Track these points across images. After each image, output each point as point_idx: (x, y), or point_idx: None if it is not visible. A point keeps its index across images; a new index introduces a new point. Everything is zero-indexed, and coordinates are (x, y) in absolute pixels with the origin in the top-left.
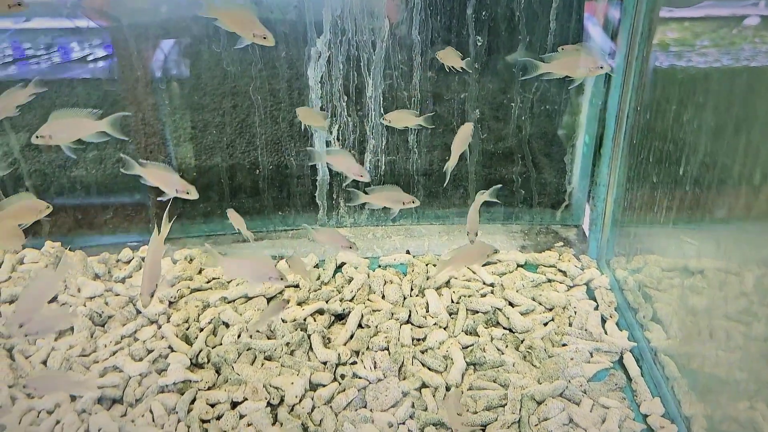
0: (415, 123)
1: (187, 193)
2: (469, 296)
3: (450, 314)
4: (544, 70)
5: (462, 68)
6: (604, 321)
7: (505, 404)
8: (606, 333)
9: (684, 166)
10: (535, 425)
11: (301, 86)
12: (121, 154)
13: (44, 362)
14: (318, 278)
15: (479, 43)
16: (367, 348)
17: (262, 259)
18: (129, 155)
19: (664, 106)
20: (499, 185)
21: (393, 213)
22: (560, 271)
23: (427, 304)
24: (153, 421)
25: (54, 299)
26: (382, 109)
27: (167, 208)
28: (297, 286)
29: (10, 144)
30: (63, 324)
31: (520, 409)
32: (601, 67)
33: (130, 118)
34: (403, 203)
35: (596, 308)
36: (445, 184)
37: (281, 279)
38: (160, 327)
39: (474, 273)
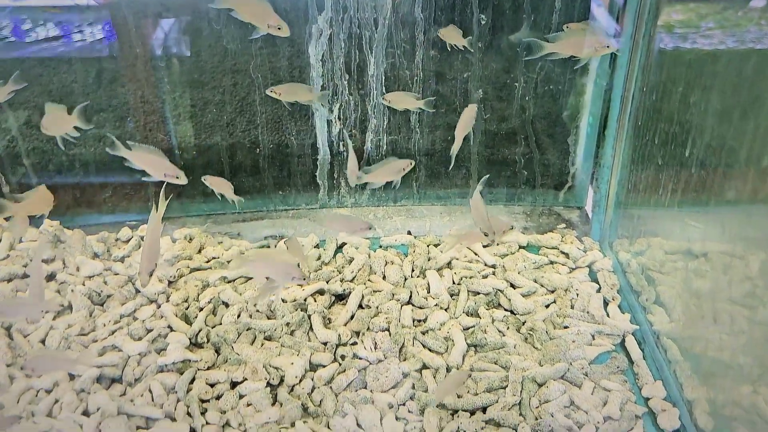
0: (416, 106)
1: (177, 177)
2: (471, 277)
3: (451, 295)
4: (549, 50)
5: (464, 47)
6: (606, 304)
7: (506, 386)
8: (608, 316)
9: (690, 148)
10: (536, 407)
11: (302, 64)
12: (108, 134)
13: (42, 341)
14: (318, 258)
15: (483, 22)
16: (368, 329)
17: (286, 259)
18: (129, 133)
19: (671, 88)
20: (486, 176)
21: (396, 184)
22: (562, 253)
23: (429, 285)
24: (152, 400)
25: (52, 277)
26: (383, 88)
27: (164, 187)
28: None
29: (8, 122)
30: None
31: (521, 391)
32: (608, 47)
33: (129, 96)
34: (403, 169)
35: (598, 291)
36: (449, 168)
37: (304, 279)
38: (159, 306)
39: (476, 254)
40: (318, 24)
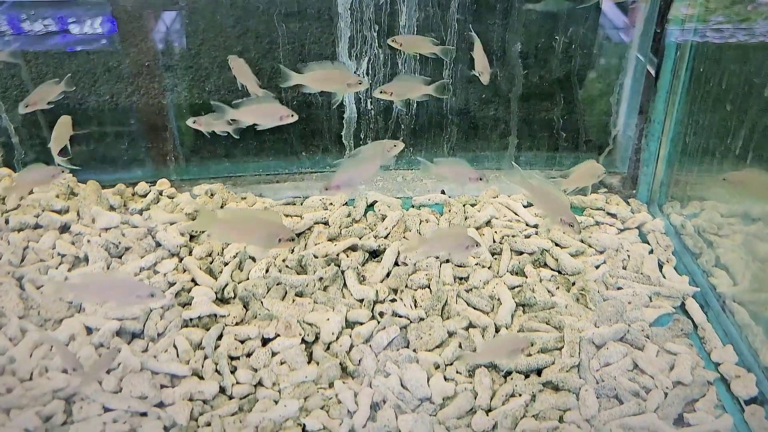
0: (431, 51)
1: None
2: (513, 236)
3: (492, 254)
4: None
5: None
6: (660, 265)
7: (562, 347)
8: (664, 277)
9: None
10: (597, 370)
11: (330, 14)
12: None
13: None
14: (348, 215)
15: None
16: (406, 286)
17: (268, 219)
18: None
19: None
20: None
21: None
22: (609, 214)
23: None
24: (177, 356)
25: (66, 229)
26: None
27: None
28: (326, 222)
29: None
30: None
31: (579, 353)
32: None
33: (149, 53)
34: (469, 179)
35: (651, 252)
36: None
37: (292, 240)
38: (181, 260)
39: (516, 214)
40: None
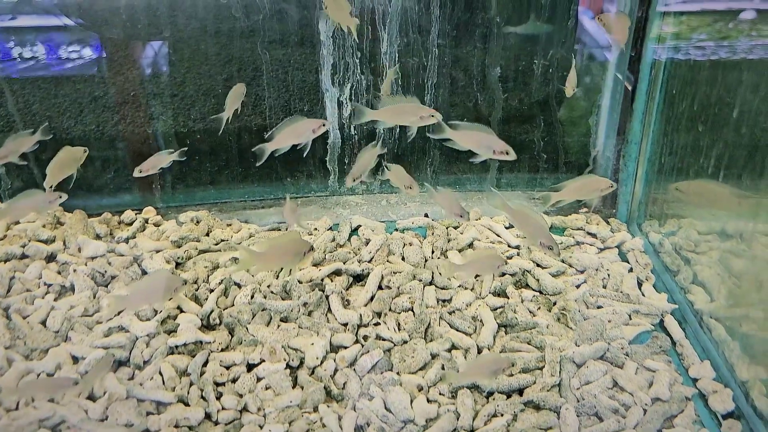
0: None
1: (506, 153)
2: None
3: (475, 276)
4: None
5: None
6: (640, 284)
7: (543, 366)
8: (644, 295)
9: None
10: (577, 389)
11: (313, 42)
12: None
13: (43, 322)
14: (333, 240)
15: None
16: (390, 309)
17: (292, 239)
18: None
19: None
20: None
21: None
22: (589, 233)
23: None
24: (163, 383)
25: (52, 258)
26: (397, 66)
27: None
28: (311, 248)
29: (8, 108)
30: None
31: (559, 372)
32: None
33: (130, 83)
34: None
35: (630, 271)
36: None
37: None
38: None
39: (498, 235)
40: None
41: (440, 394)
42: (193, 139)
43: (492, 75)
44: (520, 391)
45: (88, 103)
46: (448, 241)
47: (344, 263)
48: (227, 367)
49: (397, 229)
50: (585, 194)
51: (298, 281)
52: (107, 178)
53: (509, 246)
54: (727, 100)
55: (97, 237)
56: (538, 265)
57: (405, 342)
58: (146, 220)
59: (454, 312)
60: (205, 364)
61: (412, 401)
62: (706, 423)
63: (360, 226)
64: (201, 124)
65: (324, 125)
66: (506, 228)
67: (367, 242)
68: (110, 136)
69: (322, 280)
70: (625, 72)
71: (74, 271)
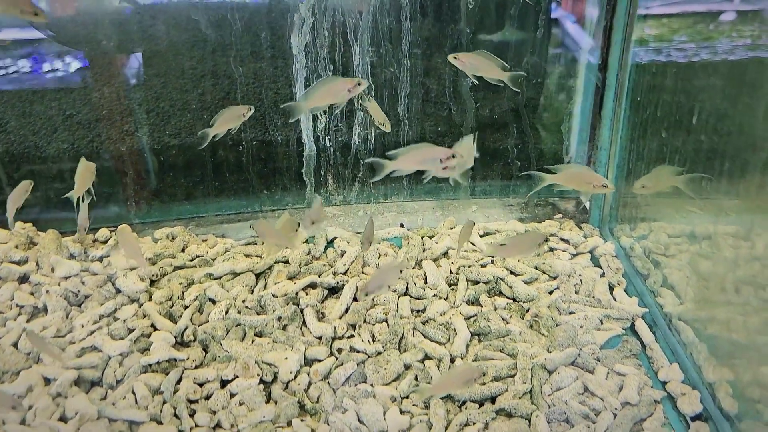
0: (496, 77)
1: (605, 186)
2: (469, 266)
3: (450, 285)
4: None
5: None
6: (611, 288)
7: (515, 374)
8: (615, 300)
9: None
10: (548, 395)
11: (285, 57)
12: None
13: (15, 344)
14: (308, 253)
15: (470, 6)
16: (364, 321)
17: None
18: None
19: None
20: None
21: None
22: (562, 239)
23: (425, 275)
24: (136, 402)
25: (25, 280)
26: (369, 78)
27: None
28: (287, 261)
29: None
30: None
31: (531, 379)
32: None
33: (105, 100)
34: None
35: (602, 276)
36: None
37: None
38: (141, 305)
39: (472, 244)
40: (300, 12)
41: (413, 404)
42: (168, 154)
43: (464, 85)
44: (493, 399)
45: (62, 120)
46: (423, 250)
47: (319, 276)
48: (201, 384)
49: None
50: (578, 184)
51: (273, 295)
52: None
53: (483, 254)
54: (687, 106)
55: (71, 256)
56: (511, 273)
57: (379, 353)
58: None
59: (427, 322)
60: (179, 381)
61: (385, 413)
62: (674, 425)
63: (336, 237)
64: (176, 139)
65: (360, 84)
66: (480, 236)
67: (342, 254)
68: (85, 153)
69: (297, 293)
70: (596, 79)
71: (47, 292)
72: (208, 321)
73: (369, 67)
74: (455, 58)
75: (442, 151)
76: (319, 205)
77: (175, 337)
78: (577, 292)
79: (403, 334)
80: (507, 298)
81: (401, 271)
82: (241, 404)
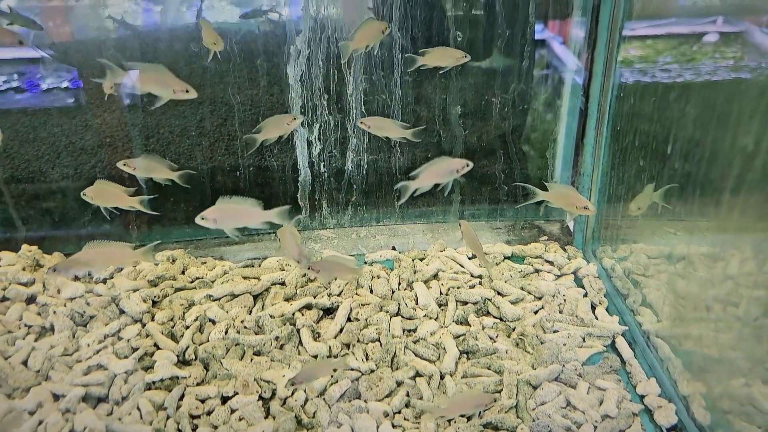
0: (400, 135)
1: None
2: (458, 288)
3: (439, 306)
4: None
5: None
6: (593, 307)
7: (501, 390)
8: (597, 318)
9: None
10: (533, 409)
11: (281, 85)
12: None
13: (25, 362)
14: (304, 275)
15: (459, 39)
16: (358, 340)
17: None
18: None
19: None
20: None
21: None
22: (547, 261)
23: (416, 296)
24: (141, 418)
25: (32, 300)
26: (362, 107)
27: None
28: (283, 283)
29: None
30: None
31: (516, 394)
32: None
33: (107, 126)
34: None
35: (585, 295)
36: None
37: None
38: (144, 326)
39: (461, 266)
40: (296, 44)
41: (405, 419)
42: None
43: (453, 113)
44: (480, 414)
45: (66, 146)
46: (414, 272)
47: (314, 297)
48: (202, 401)
49: (366, 262)
50: (564, 203)
51: (270, 316)
52: (85, 220)
53: (472, 276)
54: (663, 137)
55: (76, 278)
56: (498, 293)
57: (372, 371)
58: None
59: (418, 341)
60: (182, 398)
61: (378, 427)
62: None
63: (335, 255)
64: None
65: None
66: (469, 258)
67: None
68: (88, 178)
69: (293, 314)
70: (579, 103)
71: (54, 312)
72: (208, 340)
73: (362, 95)
74: (362, 123)
75: (457, 162)
76: (291, 240)
77: (177, 356)
78: (560, 312)
79: (395, 353)
80: (494, 317)
81: (335, 370)
82: (241, 419)
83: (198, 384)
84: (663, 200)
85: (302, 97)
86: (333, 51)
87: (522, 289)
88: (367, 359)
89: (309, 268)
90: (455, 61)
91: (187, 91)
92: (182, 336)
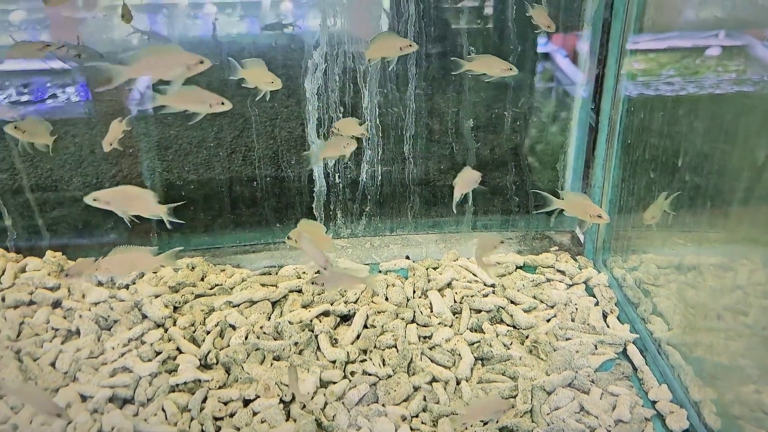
0: (359, 132)
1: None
2: (472, 296)
3: (454, 314)
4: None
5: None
6: (605, 316)
7: (516, 395)
8: (608, 326)
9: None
10: (547, 414)
11: (298, 98)
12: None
13: (53, 364)
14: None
15: (473, 52)
16: (375, 346)
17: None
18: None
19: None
20: None
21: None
22: (559, 271)
23: (431, 304)
24: (166, 419)
25: (58, 305)
26: (377, 119)
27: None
28: (300, 291)
29: (12, 155)
30: None
31: (531, 399)
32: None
33: (130, 134)
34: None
35: (596, 304)
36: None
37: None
38: (166, 330)
39: (474, 275)
40: (314, 58)
41: (422, 423)
42: (187, 189)
43: (465, 126)
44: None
45: (87, 155)
46: (428, 281)
47: (331, 304)
48: (225, 403)
49: (380, 271)
50: (578, 212)
51: (289, 322)
52: (107, 228)
53: (485, 285)
54: (672, 150)
55: (99, 284)
56: (511, 302)
57: (389, 376)
58: None
59: (434, 347)
60: (205, 400)
61: (396, 430)
62: None
63: (346, 269)
64: (194, 175)
65: (411, 45)
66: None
67: None
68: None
69: (311, 321)
70: (589, 119)
71: (80, 316)
72: (229, 345)
73: (377, 108)
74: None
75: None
76: (315, 248)
77: (200, 360)
78: (572, 320)
79: (411, 359)
80: (508, 325)
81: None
82: (263, 422)
83: (220, 387)
84: (671, 208)
85: (318, 109)
86: (349, 65)
87: (534, 297)
88: (384, 365)
89: (313, 283)
90: (501, 72)
91: (222, 104)
92: (203, 341)
